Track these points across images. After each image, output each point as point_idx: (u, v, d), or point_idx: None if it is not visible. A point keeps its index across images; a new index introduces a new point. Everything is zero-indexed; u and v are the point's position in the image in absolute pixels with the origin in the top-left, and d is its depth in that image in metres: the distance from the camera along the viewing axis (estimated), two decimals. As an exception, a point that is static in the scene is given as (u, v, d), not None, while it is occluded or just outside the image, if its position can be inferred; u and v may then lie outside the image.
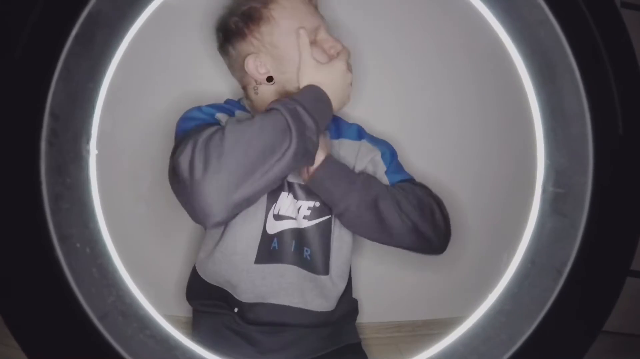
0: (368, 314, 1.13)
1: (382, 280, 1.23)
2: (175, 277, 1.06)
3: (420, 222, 0.86)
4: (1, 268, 0.65)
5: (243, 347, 0.93)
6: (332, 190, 0.84)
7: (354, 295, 1.04)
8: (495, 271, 0.79)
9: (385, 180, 0.93)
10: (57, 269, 0.66)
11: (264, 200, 0.88)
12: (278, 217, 0.90)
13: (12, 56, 0.64)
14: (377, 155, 0.96)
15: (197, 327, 0.99)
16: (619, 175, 0.73)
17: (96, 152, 0.72)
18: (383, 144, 0.99)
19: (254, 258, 0.89)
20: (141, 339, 0.71)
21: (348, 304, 1.00)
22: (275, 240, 0.90)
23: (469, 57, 0.88)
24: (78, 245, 0.69)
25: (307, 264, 0.92)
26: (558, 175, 0.76)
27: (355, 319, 1.06)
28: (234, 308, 0.92)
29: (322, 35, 0.89)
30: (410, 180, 0.96)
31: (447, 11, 0.83)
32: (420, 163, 1.01)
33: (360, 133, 1.00)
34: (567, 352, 0.74)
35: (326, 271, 0.93)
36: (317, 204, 0.91)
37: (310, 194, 0.90)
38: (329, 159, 0.85)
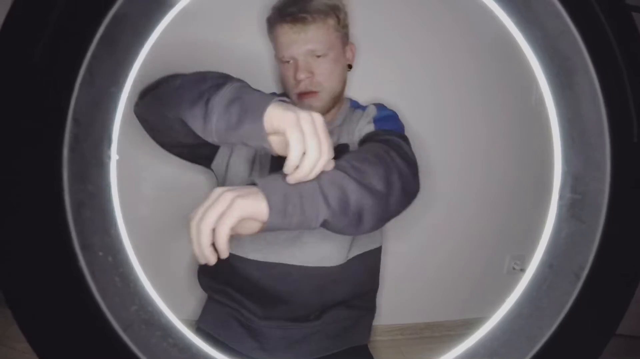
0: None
1: (385, 283, 1.23)
2: (195, 280, 1.05)
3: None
4: (23, 278, 0.63)
5: (246, 341, 0.92)
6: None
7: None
8: (502, 276, 0.80)
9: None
10: (80, 278, 0.64)
11: None
12: None
13: (35, 59, 0.61)
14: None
15: (205, 314, 0.99)
16: (635, 181, 0.75)
17: (117, 157, 0.70)
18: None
19: None
20: (164, 347, 0.70)
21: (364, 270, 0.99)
22: None
23: (489, 64, 0.89)
24: (100, 254, 0.67)
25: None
26: (575, 181, 0.78)
27: (369, 322, 1.06)
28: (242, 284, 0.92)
29: None
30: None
31: (468, 19, 0.84)
32: (439, 170, 1.01)
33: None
34: (585, 354, 0.76)
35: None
36: None
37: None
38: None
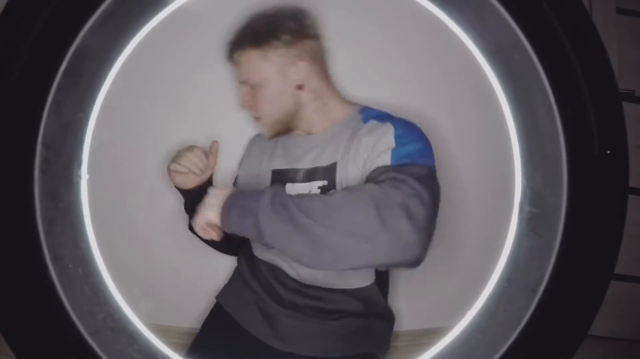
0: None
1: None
2: (166, 290, 1.10)
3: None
4: (-1, 288, 0.70)
5: (262, 326, 0.90)
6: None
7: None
8: (475, 288, 0.80)
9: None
10: (51, 288, 0.71)
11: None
12: None
13: (6, 91, 0.69)
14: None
15: (226, 291, 0.98)
16: (592, 194, 0.73)
17: (87, 177, 0.76)
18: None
19: None
20: (130, 353, 0.75)
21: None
22: None
23: (445, 79, 0.89)
24: (70, 266, 0.74)
25: None
26: (534, 195, 0.77)
27: (387, 331, 1.02)
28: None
29: None
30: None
31: (424, 36, 0.85)
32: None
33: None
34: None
35: None
36: (326, 183, 0.88)
37: (318, 175, 0.88)
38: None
